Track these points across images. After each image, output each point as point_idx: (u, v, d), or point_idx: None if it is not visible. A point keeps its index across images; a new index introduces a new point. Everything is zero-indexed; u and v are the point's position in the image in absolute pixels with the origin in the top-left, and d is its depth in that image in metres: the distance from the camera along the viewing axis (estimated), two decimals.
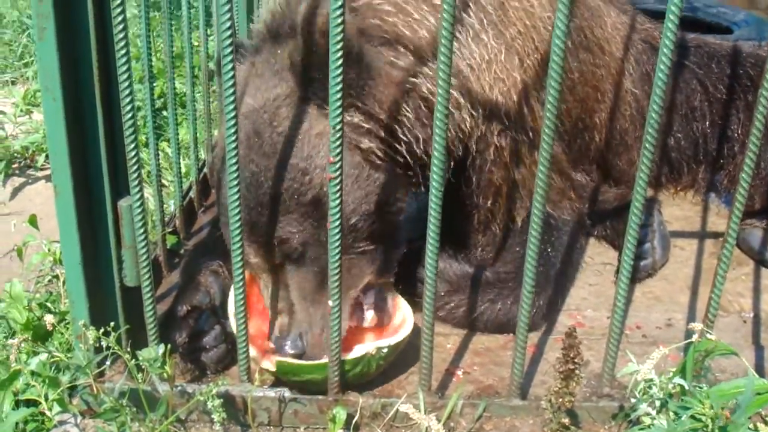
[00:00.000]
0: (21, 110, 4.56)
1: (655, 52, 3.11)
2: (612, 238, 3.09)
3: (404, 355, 2.40)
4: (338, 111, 1.83)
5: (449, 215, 2.72)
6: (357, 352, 2.19)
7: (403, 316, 2.37)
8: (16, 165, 4.18)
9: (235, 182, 1.94)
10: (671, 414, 1.45)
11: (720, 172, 3.31)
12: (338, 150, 1.86)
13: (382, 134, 2.25)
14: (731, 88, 3.21)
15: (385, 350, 2.21)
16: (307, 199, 2.18)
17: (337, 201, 1.92)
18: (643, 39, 3.20)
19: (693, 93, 3.25)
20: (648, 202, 3.03)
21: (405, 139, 2.28)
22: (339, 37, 1.75)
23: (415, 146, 2.29)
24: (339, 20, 1.74)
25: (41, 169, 4.16)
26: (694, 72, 3.26)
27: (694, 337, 1.74)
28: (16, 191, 4.06)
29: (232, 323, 2.27)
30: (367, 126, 2.22)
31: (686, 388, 1.46)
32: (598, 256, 3.05)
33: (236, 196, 1.96)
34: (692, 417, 1.39)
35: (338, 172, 1.88)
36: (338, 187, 1.90)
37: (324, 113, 2.15)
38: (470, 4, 2.40)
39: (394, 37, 2.26)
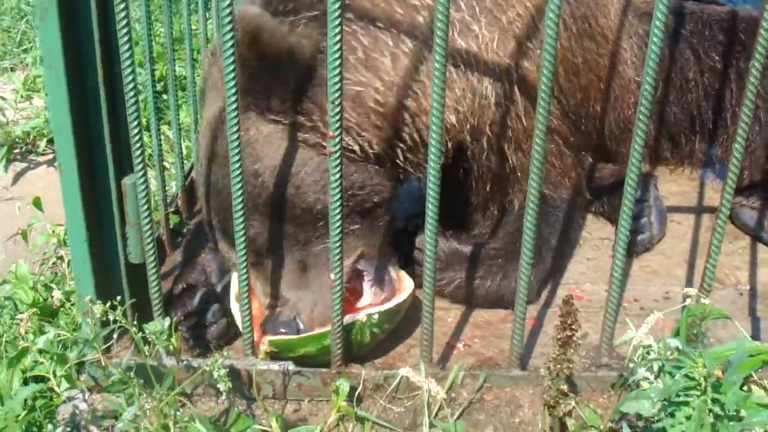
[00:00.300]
0: (21, 96, 4.59)
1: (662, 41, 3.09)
2: (609, 214, 3.11)
3: (406, 329, 2.46)
4: (336, 82, 1.86)
5: (446, 195, 2.76)
6: (346, 319, 2.22)
7: (401, 286, 2.41)
8: (17, 150, 4.21)
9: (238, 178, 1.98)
10: (666, 375, 1.48)
11: (715, 143, 3.30)
12: (337, 124, 1.90)
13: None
14: (723, 55, 3.15)
15: (376, 317, 2.25)
16: (263, 199, 2.25)
17: (338, 175, 1.95)
18: (645, 23, 3.15)
19: (687, 63, 3.19)
20: (644, 177, 3.05)
21: (358, 141, 2.31)
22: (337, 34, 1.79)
23: (368, 148, 2.32)
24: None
25: (42, 154, 4.19)
26: (688, 40, 3.19)
27: (688, 301, 1.78)
28: (18, 176, 4.09)
29: (233, 304, 2.31)
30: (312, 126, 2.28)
31: (680, 348, 1.49)
32: (595, 231, 3.08)
33: (239, 176, 1.99)
34: (686, 376, 1.42)
35: (338, 147, 1.92)
36: (338, 161, 1.94)
37: (266, 119, 2.24)
38: None
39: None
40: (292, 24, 2.25)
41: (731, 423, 1.34)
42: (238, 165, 1.99)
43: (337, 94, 1.87)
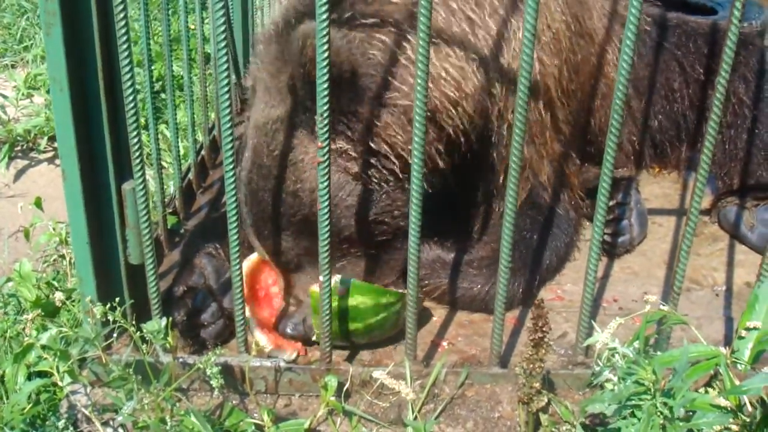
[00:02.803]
0: (22, 94, 4.66)
1: (638, 39, 3.18)
2: (592, 216, 3.19)
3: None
4: (325, 96, 1.96)
5: (444, 199, 2.84)
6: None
7: None
8: (18, 148, 4.28)
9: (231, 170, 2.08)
10: (620, 381, 1.60)
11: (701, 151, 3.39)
12: (326, 137, 2.00)
13: (371, 159, 2.38)
14: (708, 67, 3.24)
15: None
16: (298, 219, 2.38)
17: (326, 184, 2.05)
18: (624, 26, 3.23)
19: (672, 74, 3.28)
20: (626, 180, 3.15)
21: (393, 161, 2.39)
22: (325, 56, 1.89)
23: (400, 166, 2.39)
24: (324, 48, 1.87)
25: (44, 152, 4.26)
26: (672, 53, 3.27)
27: (647, 308, 1.88)
28: (19, 173, 4.16)
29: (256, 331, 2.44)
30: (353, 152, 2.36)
31: (630, 355, 1.60)
32: None
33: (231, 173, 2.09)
34: (637, 382, 1.53)
35: (326, 157, 2.02)
36: (326, 171, 2.04)
37: (314, 140, 2.29)
38: None
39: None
40: (349, 40, 2.29)
41: (680, 424, 1.46)
42: (232, 159, 2.08)
43: (325, 107, 1.97)
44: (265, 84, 2.44)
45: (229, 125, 2.03)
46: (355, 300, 2.32)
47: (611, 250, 3.00)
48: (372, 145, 2.35)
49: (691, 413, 1.54)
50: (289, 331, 2.41)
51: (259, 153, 2.41)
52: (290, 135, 2.36)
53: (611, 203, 2.96)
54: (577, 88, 2.91)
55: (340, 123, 2.30)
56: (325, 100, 1.96)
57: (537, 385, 2.03)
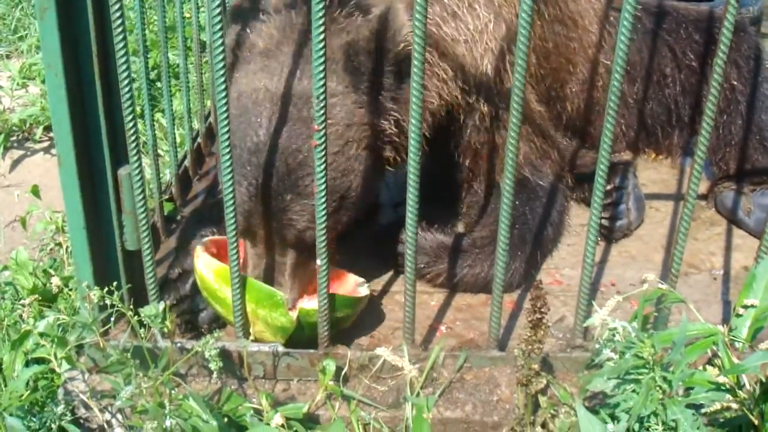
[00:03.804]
0: (17, 84, 4.66)
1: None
2: (589, 201, 3.20)
3: (391, 312, 2.59)
4: (321, 78, 1.96)
5: (436, 181, 2.87)
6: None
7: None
8: (14, 138, 4.29)
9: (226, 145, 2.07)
10: (620, 355, 1.60)
11: (693, 136, 3.42)
12: (322, 118, 1.99)
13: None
14: (699, 54, 3.27)
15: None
16: (339, 196, 2.33)
17: (323, 167, 2.05)
18: (616, 9, 3.27)
19: (664, 60, 3.30)
20: (624, 165, 3.16)
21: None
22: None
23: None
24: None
25: (39, 142, 4.26)
26: (664, 39, 3.30)
27: (645, 287, 1.89)
28: (15, 163, 4.17)
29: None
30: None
31: (630, 331, 1.61)
32: (576, 218, 3.17)
33: (228, 163, 2.09)
34: (636, 356, 1.54)
35: (323, 140, 2.01)
36: (323, 154, 2.03)
37: (367, 117, 2.33)
38: None
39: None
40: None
41: (679, 399, 1.46)
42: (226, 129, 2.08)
43: (321, 90, 1.97)
44: (299, 50, 2.31)
45: (225, 112, 2.02)
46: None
47: (609, 234, 3.01)
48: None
49: (690, 390, 1.54)
50: None
51: (306, 122, 2.25)
52: (349, 110, 2.32)
53: (608, 187, 2.98)
54: (547, 73, 2.95)
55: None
56: (322, 82, 1.96)
57: (536, 366, 2.03)
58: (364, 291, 2.45)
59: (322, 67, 1.94)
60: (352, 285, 2.48)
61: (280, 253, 2.36)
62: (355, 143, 2.32)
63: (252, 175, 2.24)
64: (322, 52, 1.92)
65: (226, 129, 2.05)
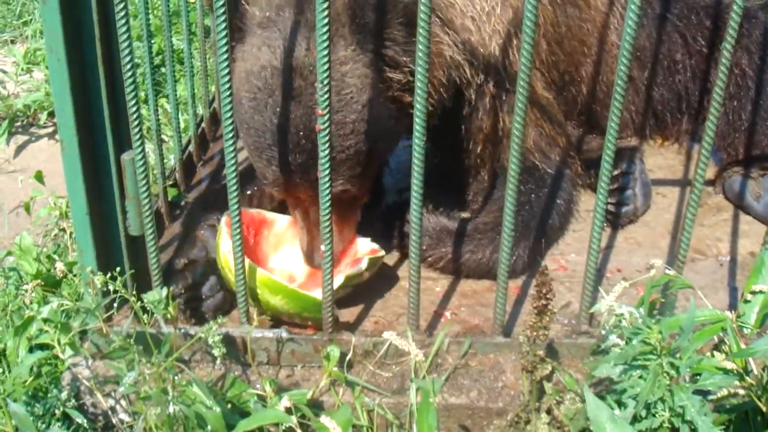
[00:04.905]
0: (22, 69, 4.65)
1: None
2: (596, 186, 3.19)
3: (396, 298, 2.57)
4: (325, 65, 1.94)
5: (441, 166, 2.86)
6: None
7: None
8: (18, 123, 4.28)
9: (228, 120, 2.06)
10: (627, 341, 1.59)
11: (702, 123, 3.40)
12: (326, 104, 1.98)
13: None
14: (710, 40, 3.26)
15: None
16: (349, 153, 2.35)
17: (326, 153, 2.04)
18: None
19: (674, 45, 3.29)
20: (631, 150, 3.14)
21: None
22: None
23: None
24: None
25: (44, 127, 4.26)
26: (675, 25, 3.29)
27: (652, 272, 1.87)
28: (19, 149, 4.17)
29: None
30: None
31: (637, 317, 1.59)
32: (582, 203, 3.13)
33: (230, 142, 2.08)
34: (643, 342, 1.52)
35: (326, 125, 2.00)
36: (327, 138, 2.02)
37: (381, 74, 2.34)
38: None
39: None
40: None
41: (686, 385, 1.45)
42: (229, 105, 2.07)
43: (326, 74, 1.95)
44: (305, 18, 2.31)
45: (229, 98, 2.01)
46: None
47: (615, 220, 2.99)
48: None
49: (697, 376, 1.53)
50: (315, 263, 2.48)
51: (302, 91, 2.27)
52: (364, 75, 2.32)
53: (615, 172, 2.97)
54: (560, 58, 2.93)
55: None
56: (326, 67, 1.94)
57: (541, 353, 2.01)
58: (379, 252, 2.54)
59: (326, 52, 1.92)
60: (367, 247, 2.55)
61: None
62: (372, 103, 2.33)
63: (280, 153, 2.31)
64: (326, 36, 1.90)
65: (230, 115, 2.03)
